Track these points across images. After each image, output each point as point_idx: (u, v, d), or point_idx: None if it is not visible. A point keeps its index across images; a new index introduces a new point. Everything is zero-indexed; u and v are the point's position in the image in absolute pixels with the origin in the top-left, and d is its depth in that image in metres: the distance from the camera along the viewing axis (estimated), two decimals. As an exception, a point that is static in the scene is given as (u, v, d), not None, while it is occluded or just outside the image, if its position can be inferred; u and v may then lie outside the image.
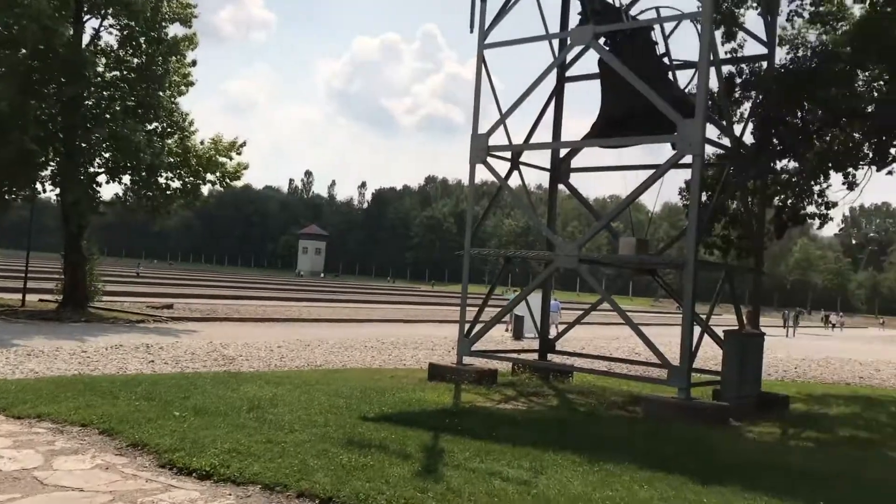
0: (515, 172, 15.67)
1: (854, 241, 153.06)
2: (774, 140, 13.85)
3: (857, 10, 17.93)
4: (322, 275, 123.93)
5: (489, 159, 14.93)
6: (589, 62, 16.49)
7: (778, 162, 15.35)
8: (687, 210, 18.72)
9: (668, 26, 15.05)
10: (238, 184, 32.00)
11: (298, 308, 40.03)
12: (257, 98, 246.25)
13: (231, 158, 28.83)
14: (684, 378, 12.28)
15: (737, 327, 14.40)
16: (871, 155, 17.73)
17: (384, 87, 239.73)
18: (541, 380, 15.46)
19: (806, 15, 18.21)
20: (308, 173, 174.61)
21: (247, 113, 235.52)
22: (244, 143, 28.99)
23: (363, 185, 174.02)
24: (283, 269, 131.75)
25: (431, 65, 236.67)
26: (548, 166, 16.74)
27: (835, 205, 18.85)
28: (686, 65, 15.57)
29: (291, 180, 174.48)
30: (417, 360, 19.41)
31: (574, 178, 16.79)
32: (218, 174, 28.57)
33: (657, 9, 14.88)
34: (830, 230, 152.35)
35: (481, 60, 15.14)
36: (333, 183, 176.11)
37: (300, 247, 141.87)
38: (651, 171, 13.94)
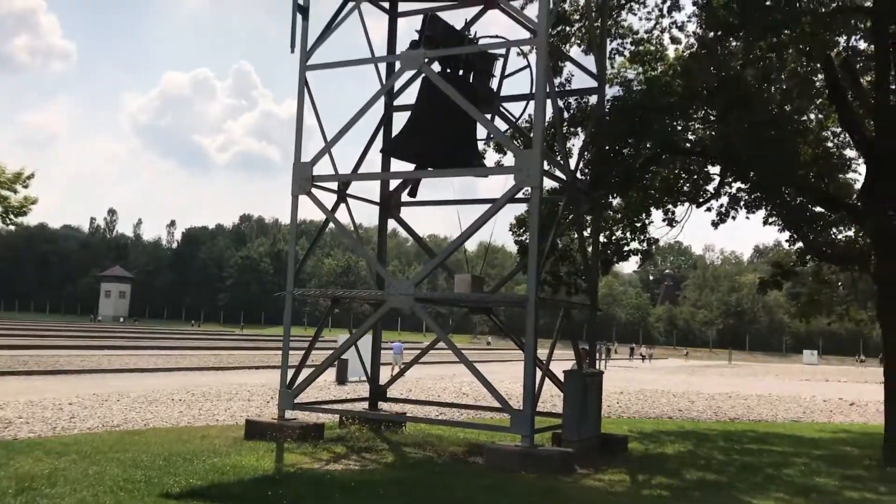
0: (342, 206, 14.48)
1: (651, 277, 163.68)
2: (610, 174, 13.54)
3: (672, 52, 18.37)
4: (121, 319, 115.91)
5: (314, 190, 13.65)
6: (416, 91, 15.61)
7: (611, 197, 15.15)
8: (519, 246, 18.38)
9: (509, 61, 14.63)
10: (30, 221, 28.75)
11: (98, 357, 36.40)
12: (57, 131, 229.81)
13: (15, 192, 25.65)
14: (528, 424, 11.46)
15: (573, 365, 13.89)
16: (688, 191, 18.10)
17: (196, 124, 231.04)
18: (372, 431, 14.20)
19: (627, 54, 18.43)
20: (112, 211, 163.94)
21: (45, 147, 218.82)
22: (31, 175, 25.88)
23: (172, 223, 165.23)
24: (84, 315, 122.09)
25: (245, 102, 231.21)
26: (377, 199, 15.69)
27: (656, 241, 19.07)
28: (516, 98, 15.12)
29: (93, 219, 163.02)
30: (232, 415, 17.54)
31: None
32: (0, 209, 25.32)
33: (488, 38, 14.30)
34: (630, 266, 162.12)
35: (303, 83, 13.91)
36: (140, 222, 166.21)
37: (102, 290, 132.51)
38: (484, 206, 13.29)
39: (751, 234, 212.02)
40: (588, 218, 15.23)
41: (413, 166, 14.80)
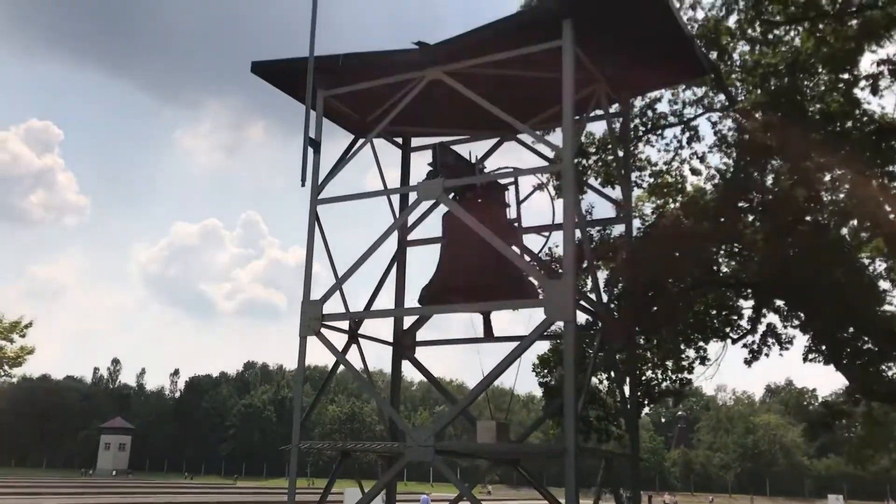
0: (353, 347, 13.36)
1: (663, 420, 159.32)
2: (649, 308, 12.50)
3: (691, 184, 17.80)
4: (114, 473, 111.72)
5: (323, 330, 12.57)
6: (430, 227, 14.85)
7: (651, 334, 14.05)
8: (545, 388, 17.10)
9: (523, 189, 13.90)
10: (32, 373, 27.61)
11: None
12: (66, 283, 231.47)
13: (12, 341, 24.71)
14: None
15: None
16: (719, 326, 17.01)
17: (203, 273, 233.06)
18: None
19: (645, 186, 17.87)
20: (116, 361, 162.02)
21: (53, 299, 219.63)
22: (29, 324, 25.08)
23: (176, 372, 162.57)
24: (83, 469, 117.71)
25: (253, 251, 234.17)
26: (390, 339, 14.57)
27: (689, 381, 17.84)
28: (536, 229, 14.31)
29: (96, 369, 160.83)
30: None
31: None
32: (-4, 359, 24.28)
33: (515, 169, 13.62)
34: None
35: (314, 217, 13.12)
36: (143, 371, 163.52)
37: (102, 442, 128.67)
38: (505, 344, 12.21)
39: (762, 372, 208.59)
40: (617, 356, 14.03)
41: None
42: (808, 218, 12.07)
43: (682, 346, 16.81)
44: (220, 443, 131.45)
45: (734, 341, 16.61)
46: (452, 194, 12.89)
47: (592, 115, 13.61)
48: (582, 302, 12.57)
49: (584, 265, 14.99)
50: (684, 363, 17.22)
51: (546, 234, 14.03)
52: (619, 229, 15.52)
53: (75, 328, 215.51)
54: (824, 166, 11.97)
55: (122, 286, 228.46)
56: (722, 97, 16.97)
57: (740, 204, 12.95)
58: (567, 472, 10.28)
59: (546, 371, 16.65)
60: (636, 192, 17.56)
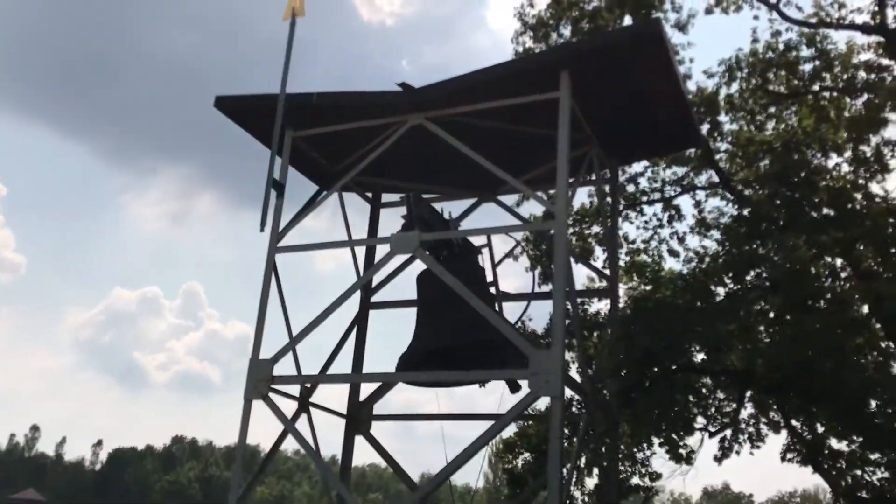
0: (304, 416, 11.90)
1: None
2: (640, 386, 11.30)
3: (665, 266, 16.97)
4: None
5: (271, 395, 11.09)
6: (396, 289, 13.66)
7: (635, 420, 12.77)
8: (509, 477, 15.65)
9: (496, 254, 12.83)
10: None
11: None
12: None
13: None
14: None
15: None
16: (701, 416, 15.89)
17: (138, 341, 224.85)
18: None
19: (622, 264, 16.97)
20: (35, 428, 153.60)
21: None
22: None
23: (99, 443, 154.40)
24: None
25: (191, 322, 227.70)
26: (344, 411, 13.12)
27: (659, 476, 16.55)
28: (518, 296, 13.20)
29: (13, 435, 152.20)
30: None
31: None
32: None
33: (488, 232, 12.55)
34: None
35: (272, 267, 11.79)
36: (63, 440, 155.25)
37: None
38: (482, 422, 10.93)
39: (699, 475, 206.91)
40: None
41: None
42: (828, 295, 11.17)
43: (661, 436, 15.61)
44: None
45: (711, 435, 15.47)
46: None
47: (582, 179, 12.67)
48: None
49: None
50: (664, 454, 15.95)
51: (524, 301, 12.92)
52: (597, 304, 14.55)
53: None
54: (841, 241, 11.16)
55: (52, 349, 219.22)
56: (703, 178, 16.36)
57: (748, 278, 12.01)
58: (548, 573, 8.89)
59: (511, 457, 15.24)
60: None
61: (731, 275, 12.28)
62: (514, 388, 11.86)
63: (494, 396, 11.91)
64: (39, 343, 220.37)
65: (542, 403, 13.57)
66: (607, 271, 12.99)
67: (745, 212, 12.77)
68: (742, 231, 12.29)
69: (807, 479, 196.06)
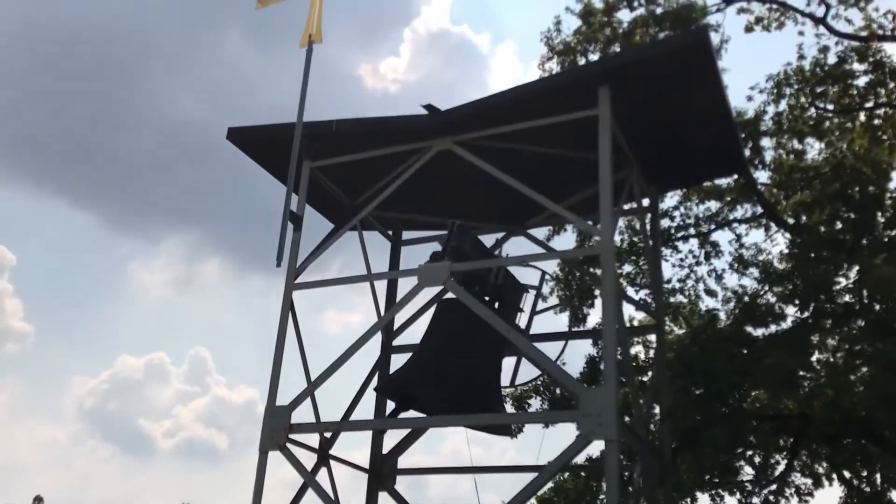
0: (324, 470, 10.81)
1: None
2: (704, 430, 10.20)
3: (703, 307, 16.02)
4: None
5: (289, 446, 10.02)
6: (418, 332, 12.74)
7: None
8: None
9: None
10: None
11: None
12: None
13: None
14: None
15: None
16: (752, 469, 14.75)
17: (144, 409, 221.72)
18: None
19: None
20: (38, 499, 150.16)
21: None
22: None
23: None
24: None
25: (198, 388, 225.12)
26: (366, 465, 12.01)
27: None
28: (552, 336, 12.20)
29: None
30: None
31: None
32: None
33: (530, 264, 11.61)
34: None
35: (289, 305, 10.86)
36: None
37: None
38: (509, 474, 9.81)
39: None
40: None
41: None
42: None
43: (717, 482, 14.45)
44: None
45: (762, 486, 14.31)
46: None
47: (621, 208, 11.76)
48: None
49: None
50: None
51: (561, 342, 11.91)
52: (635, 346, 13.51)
53: (1, 463, 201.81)
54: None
55: (57, 419, 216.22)
56: (738, 213, 15.50)
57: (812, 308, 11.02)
58: None
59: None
60: (641, 314, 15.67)
61: (796, 303, 11.28)
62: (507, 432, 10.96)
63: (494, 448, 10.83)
64: (44, 413, 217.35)
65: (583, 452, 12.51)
66: (650, 304, 12.00)
67: (797, 239, 11.82)
68: (805, 255, 11.35)
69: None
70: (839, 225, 11.11)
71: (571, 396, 8.93)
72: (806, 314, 11.35)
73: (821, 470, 15.32)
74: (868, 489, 14.51)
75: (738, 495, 14.81)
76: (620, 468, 8.45)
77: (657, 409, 10.51)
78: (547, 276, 12.88)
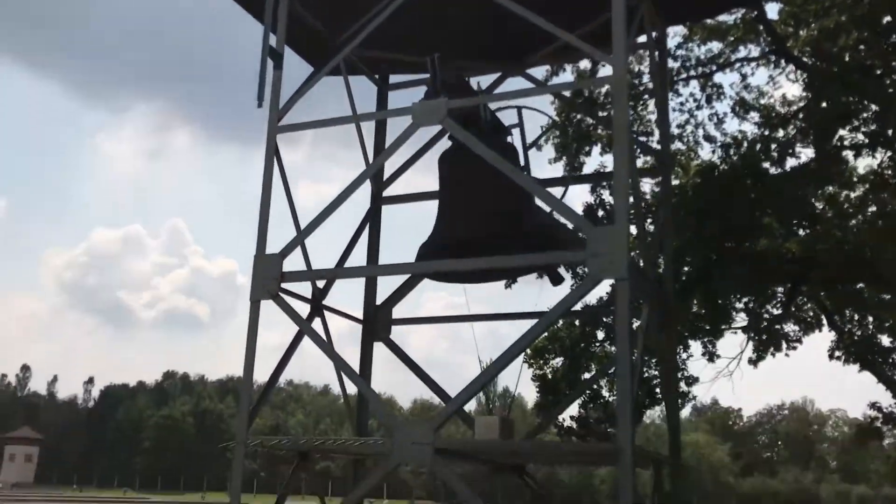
0: (318, 320, 10.46)
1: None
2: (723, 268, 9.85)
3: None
4: (6, 485, 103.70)
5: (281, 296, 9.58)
6: (408, 183, 12.10)
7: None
8: (540, 382, 14.42)
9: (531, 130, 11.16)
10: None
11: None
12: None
13: None
14: None
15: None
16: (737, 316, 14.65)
17: (123, 281, 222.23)
18: None
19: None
20: (25, 368, 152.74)
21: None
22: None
23: (90, 380, 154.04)
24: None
25: (176, 259, 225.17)
26: (360, 316, 11.69)
27: (696, 380, 15.41)
28: (557, 181, 11.67)
29: (4, 376, 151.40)
30: None
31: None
32: None
33: (519, 108, 10.88)
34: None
35: (273, 149, 10.14)
36: (55, 379, 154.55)
37: (6, 454, 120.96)
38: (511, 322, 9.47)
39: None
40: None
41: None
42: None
43: (688, 340, 14.36)
44: (135, 456, 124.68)
45: (758, 332, 14.29)
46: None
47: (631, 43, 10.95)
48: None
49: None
50: (687, 358, 14.76)
51: (562, 186, 11.39)
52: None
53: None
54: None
55: (37, 292, 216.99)
56: (741, 53, 14.72)
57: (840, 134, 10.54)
58: (622, 482, 7.55)
59: (542, 362, 13.97)
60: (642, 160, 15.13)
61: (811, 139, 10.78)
62: (557, 279, 10.46)
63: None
64: (23, 286, 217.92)
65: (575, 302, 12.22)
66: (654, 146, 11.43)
67: (818, 64, 11.16)
68: (826, 85, 10.74)
69: (794, 392, 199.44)
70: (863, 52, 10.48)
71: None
72: (827, 146, 10.88)
73: (812, 316, 15.33)
74: (860, 333, 14.53)
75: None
76: (631, 309, 8.08)
77: (661, 261, 10.16)
78: (543, 123, 12.21)
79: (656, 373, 14.86)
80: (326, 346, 9.28)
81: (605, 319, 13.48)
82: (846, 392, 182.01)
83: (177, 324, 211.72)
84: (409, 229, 12.64)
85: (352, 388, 11.07)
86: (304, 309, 10.38)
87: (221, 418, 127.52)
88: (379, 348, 11.87)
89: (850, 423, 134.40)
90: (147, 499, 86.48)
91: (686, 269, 10.86)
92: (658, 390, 14.86)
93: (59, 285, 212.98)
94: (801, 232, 12.59)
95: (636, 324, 9.50)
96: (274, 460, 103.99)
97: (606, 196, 12.92)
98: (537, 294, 10.49)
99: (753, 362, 16.08)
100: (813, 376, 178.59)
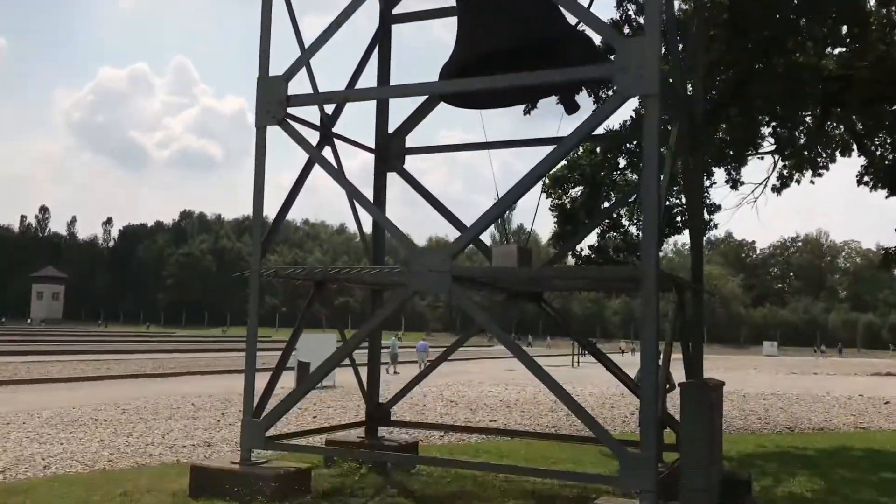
0: (328, 149, 10.03)
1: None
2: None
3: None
4: (41, 322, 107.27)
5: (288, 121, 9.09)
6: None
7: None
8: (559, 211, 14.12)
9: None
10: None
11: (16, 364, 31.18)
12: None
13: None
14: (650, 472, 7.17)
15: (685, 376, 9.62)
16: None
17: (133, 120, 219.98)
18: (378, 474, 9.76)
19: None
20: (44, 209, 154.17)
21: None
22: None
23: (108, 221, 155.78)
24: (16, 320, 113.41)
25: (185, 99, 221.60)
26: (372, 145, 11.24)
27: (718, 208, 15.06)
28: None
29: (24, 217, 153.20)
30: (172, 444, 12.97)
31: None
32: None
33: None
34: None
35: (273, -41, 9.36)
36: (73, 220, 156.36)
37: (34, 291, 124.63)
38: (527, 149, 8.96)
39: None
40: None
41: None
42: None
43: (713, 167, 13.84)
44: (159, 293, 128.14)
45: (786, 156, 13.80)
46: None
47: None
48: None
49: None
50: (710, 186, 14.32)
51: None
52: None
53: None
54: None
55: (48, 133, 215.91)
56: None
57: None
58: (645, 307, 7.35)
59: (560, 191, 13.59)
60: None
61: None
62: (572, 107, 9.88)
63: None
64: (33, 128, 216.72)
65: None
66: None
67: None
68: None
69: (808, 226, 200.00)
70: None
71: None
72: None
73: (839, 142, 14.75)
74: (891, 157, 13.99)
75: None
76: (660, 128, 7.57)
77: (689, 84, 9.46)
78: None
79: (677, 200, 14.55)
80: (337, 172, 8.92)
81: (627, 145, 12.98)
82: (861, 225, 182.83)
83: (190, 164, 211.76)
84: (424, 57, 11.92)
85: (367, 226, 10.80)
86: (313, 137, 9.95)
87: (240, 255, 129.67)
88: (392, 187, 11.51)
89: (863, 254, 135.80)
90: (173, 332, 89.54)
91: (715, 90, 10.21)
92: (678, 219, 14.58)
93: (70, 126, 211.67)
94: (837, 51, 11.85)
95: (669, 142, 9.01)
96: (294, 295, 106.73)
97: (632, 13, 12.02)
98: (557, 125, 9.94)
99: (777, 189, 15.66)
100: (828, 211, 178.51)
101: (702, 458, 8.10)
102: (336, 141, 10.23)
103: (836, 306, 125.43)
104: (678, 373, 8.68)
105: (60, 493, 8.77)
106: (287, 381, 17.21)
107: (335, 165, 9.82)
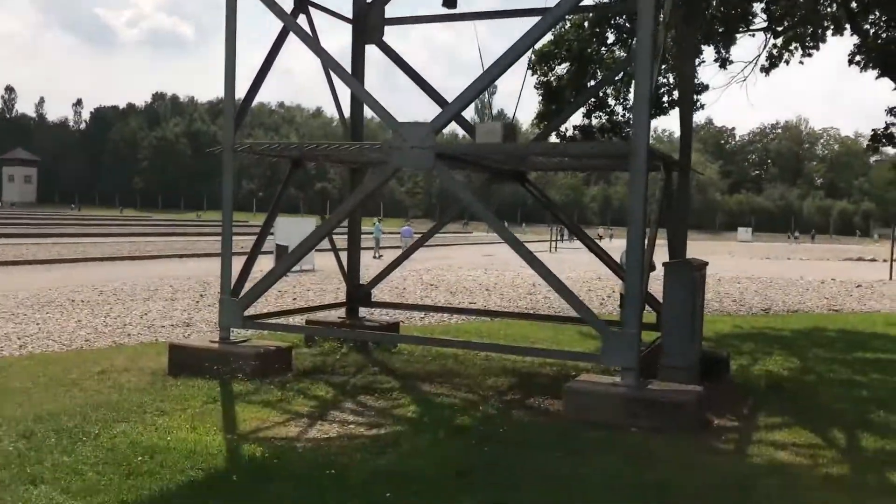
0: (303, 18, 9.50)
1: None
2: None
3: None
4: (6, 204, 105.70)
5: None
6: None
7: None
8: (544, 88, 13.73)
9: None
10: None
11: (-11, 248, 30.84)
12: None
13: None
14: (632, 350, 7.15)
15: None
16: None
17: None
18: (358, 353, 9.74)
19: None
20: (10, 89, 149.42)
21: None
22: None
23: (79, 102, 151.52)
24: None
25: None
26: (349, 15, 10.67)
27: (705, 88, 14.69)
28: None
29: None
30: (150, 324, 12.88)
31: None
32: None
33: None
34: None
35: None
36: (42, 101, 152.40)
37: (5, 175, 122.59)
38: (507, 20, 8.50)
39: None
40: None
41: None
42: None
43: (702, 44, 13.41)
44: (133, 176, 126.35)
45: (777, 34, 13.37)
46: None
47: None
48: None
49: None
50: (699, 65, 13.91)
51: None
52: None
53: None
54: None
55: (11, 9, 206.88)
56: None
57: None
58: (633, 183, 7.14)
59: (546, 68, 13.12)
60: None
61: None
62: None
63: None
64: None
65: None
66: None
67: None
68: None
69: (788, 113, 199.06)
70: None
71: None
72: None
73: (831, 20, 14.34)
74: (885, 35, 13.62)
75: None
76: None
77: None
78: None
79: (664, 80, 14.17)
80: (312, 41, 8.45)
81: (616, 20, 12.48)
82: (841, 112, 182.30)
83: (161, 44, 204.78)
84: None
85: (346, 107, 10.37)
86: (287, 5, 9.40)
87: (215, 139, 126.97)
88: (369, 76, 11.00)
89: (841, 141, 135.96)
90: (149, 216, 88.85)
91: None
92: (664, 99, 14.24)
93: (33, 2, 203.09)
94: None
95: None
96: (272, 180, 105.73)
97: None
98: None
99: (766, 70, 15.30)
100: (809, 98, 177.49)
101: (683, 336, 8.10)
102: (312, 11, 9.69)
103: (812, 193, 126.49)
104: (662, 256, 8.60)
105: (36, 371, 8.68)
106: (265, 265, 17.10)
107: (311, 35, 9.33)
